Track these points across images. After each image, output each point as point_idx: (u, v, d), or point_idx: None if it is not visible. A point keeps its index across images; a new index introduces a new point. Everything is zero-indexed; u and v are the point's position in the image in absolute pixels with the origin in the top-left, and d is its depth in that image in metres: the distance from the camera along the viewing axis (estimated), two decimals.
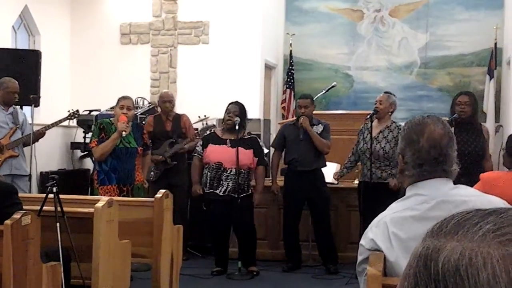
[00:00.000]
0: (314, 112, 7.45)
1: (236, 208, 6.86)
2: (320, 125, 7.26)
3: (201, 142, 7.19)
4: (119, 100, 6.81)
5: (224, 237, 7.12)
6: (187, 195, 7.79)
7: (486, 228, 0.76)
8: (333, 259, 7.29)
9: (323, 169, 7.32)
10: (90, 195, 6.68)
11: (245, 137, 7.07)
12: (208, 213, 7.17)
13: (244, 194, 6.98)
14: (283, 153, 7.42)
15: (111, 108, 8.89)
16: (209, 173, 7.00)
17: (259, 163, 7.11)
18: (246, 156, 6.97)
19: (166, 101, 7.81)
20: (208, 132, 7.44)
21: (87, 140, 8.46)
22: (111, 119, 6.87)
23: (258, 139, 7.39)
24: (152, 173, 7.75)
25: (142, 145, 6.91)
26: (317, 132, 7.19)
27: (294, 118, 8.60)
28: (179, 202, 7.48)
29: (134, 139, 6.77)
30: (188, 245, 7.75)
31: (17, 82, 7.12)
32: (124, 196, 6.58)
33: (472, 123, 6.66)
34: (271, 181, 7.48)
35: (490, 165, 6.77)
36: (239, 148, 6.92)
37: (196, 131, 7.89)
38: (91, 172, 6.78)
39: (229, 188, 6.92)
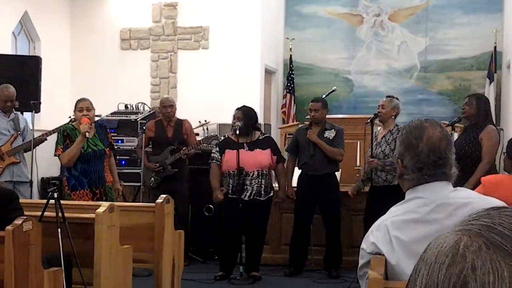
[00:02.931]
0: None
1: (256, 209, 6.85)
2: (333, 130, 7.20)
3: (217, 149, 7.15)
4: (76, 103, 6.69)
5: (238, 241, 7.05)
6: (188, 201, 7.79)
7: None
8: (337, 263, 7.28)
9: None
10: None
11: (260, 138, 7.05)
12: (224, 218, 7.14)
13: (267, 196, 6.98)
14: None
15: (111, 114, 8.91)
16: (230, 180, 6.96)
17: (278, 160, 7.08)
18: (265, 156, 6.95)
19: (167, 105, 7.77)
20: (218, 140, 7.40)
21: None
22: (73, 124, 6.77)
23: (273, 137, 7.35)
24: (152, 179, 7.73)
25: (108, 145, 6.85)
26: (329, 138, 7.13)
27: (294, 122, 8.59)
28: (180, 208, 7.46)
29: (100, 140, 6.71)
30: (190, 250, 7.75)
31: (11, 89, 7.08)
32: (97, 199, 6.51)
33: (476, 125, 6.34)
34: (286, 185, 7.45)
35: (482, 169, 6.06)
36: (258, 149, 6.92)
37: (198, 141, 7.86)
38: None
39: (254, 192, 6.90)
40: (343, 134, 7.24)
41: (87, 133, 6.39)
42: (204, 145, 7.89)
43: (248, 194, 6.90)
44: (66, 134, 6.58)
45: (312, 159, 7.12)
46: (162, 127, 7.80)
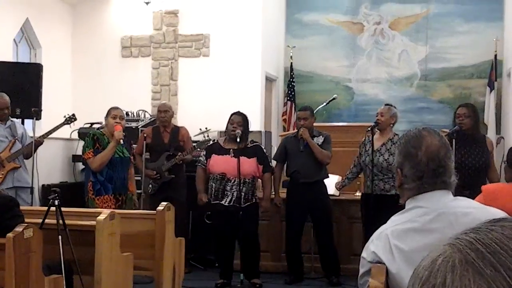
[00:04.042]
0: (315, 124, 7.46)
1: (240, 217, 6.85)
2: (320, 136, 7.27)
3: (204, 152, 7.18)
4: (110, 110, 6.82)
5: (229, 248, 7.09)
6: (187, 208, 7.78)
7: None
8: (336, 271, 7.28)
9: (325, 181, 7.33)
10: (85, 206, 6.65)
11: (248, 146, 7.07)
12: (213, 225, 7.17)
13: (248, 203, 6.97)
14: (285, 165, 7.43)
15: None
16: (213, 184, 7.01)
17: (265, 170, 7.10)
18: (249, 164, 6.97)
19: (162, 111, 7.81)
20: (211, 142, 7.43)
21: None
22: (101, 130, 6.89)
23: (261, 146, 7.37)
24: (150, 186, 7.73)
25: (131, 155, 7.01)
26: (318, 144, 7.19)
27: (295, 130, 8.59)
28: (178, 215, 7.47)
29: (125, 148, 6.82)
30: (190, 258, 7.74)
31: (5, 96, 7.10)
32: (119, 205, 6.59)
33: (474, 135, 6.50)
34: (273, 193, 7.48)
35: (497, 176, 6.58)
36: (242, 157, 6.92)
37: (194, 144, 7.85)
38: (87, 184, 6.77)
39: (234, 198, 6.91)
40: (330, 139, 7.30)
41: (121, 140, 6.53)
42: (198, 150, 7.90)
43: (228, 200, 6.92)
44: (96, 139, 6.66)
45: (303, 166, 7.15)
46: (159, 133, 7.82)
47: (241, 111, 7.25)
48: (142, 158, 7.78)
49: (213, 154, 7.05)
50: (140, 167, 7.76)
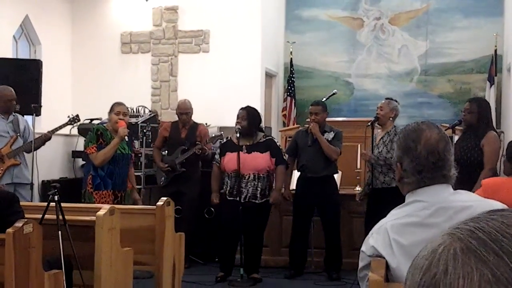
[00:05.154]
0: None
1: (253, 212, 6.85)
2: (332, 132, 7.25)
3: (218, 150, 7.18)
4: (113, 106, 6.80)
5: (234, 243, 7.07)
6: (197, 203, 7.78)
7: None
8: (337, 266, 7.28)
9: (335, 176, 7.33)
10: (82, 199, 6.65)
11: (261, 141, 7.06)
12: (220, 220, 7.16)
13: (264, 199, 6.99)
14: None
15: None
16: (229, 181, 7.01)
17: (278, 162, 7.07)
18: (263, 159, 6.97)
19: (183, 113, 7.87)
20: (222, 140, 7.41)
21: None
22: (105, 125, 6.88)
23: (275, 139, 7.34)
24: (163, 178, 7.82)
25: (132, 152, 7.01)
26: (327, 139, 7.16)
27: (295, 125, 8.59)
28: (187, 209, 7.50)
29: (127, 145, 6.81)
30: (191, 252, 7.74)
31: (12, 90, 7.11)
32: (118, 202, 6.58)
33: (476, 130, 6.25)
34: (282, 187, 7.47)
35: (484, 176, 5.81)
36: (255, 152, 6.93)
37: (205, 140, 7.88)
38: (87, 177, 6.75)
39: (249, 195, 6.92)
40: (341, 136, 7.27)
41: (126, 137, 6.53)
42: (210, 144, 7.93)
43: (244, 196, 6.92)
44: (99, 134, 6.65)
45: (311, 161, 7.14)
46: (177, 129, 7.90)
47: (240, 107, 7.24)
48: (159, 151, 8.00)
49: (227, 152, 7.04)
50: (157, 160, 7.89)
